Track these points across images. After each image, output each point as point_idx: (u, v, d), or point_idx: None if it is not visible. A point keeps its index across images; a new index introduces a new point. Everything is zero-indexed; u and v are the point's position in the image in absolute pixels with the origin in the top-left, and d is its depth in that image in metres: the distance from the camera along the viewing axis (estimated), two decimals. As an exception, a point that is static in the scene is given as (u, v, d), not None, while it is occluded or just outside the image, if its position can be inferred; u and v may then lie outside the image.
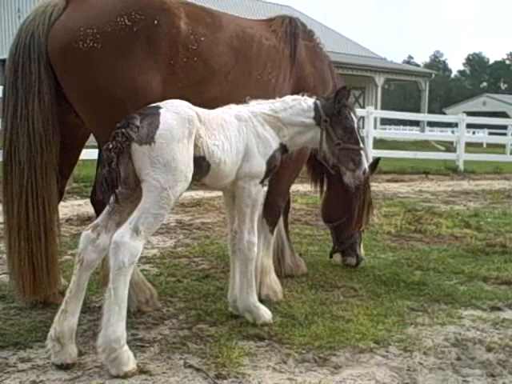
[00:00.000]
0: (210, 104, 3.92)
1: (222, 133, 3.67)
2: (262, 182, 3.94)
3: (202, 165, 3.51)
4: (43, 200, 3.98)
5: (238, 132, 3.78)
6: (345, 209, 5.61)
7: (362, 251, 5.84)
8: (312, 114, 3.99)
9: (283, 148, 4.03)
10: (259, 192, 3.95)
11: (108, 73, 3.85)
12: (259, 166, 3.87)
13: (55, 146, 4.04)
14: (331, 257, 5.88)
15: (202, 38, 4.20)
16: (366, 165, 4.01)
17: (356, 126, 4.02)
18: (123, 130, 3.20)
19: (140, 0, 4.01)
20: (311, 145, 4.17)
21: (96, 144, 4.54)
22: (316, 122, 3.99)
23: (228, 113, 3.84)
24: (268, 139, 3.91)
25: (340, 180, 5.47)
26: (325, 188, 5.78)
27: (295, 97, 4.10)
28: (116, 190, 3.22)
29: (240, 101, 4.00)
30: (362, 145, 4.01)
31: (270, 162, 3.93)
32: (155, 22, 3.95)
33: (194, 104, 3.69)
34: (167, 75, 4.05)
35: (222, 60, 4.33)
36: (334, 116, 3.96)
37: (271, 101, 4.05)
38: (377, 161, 5.91)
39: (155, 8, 4.01)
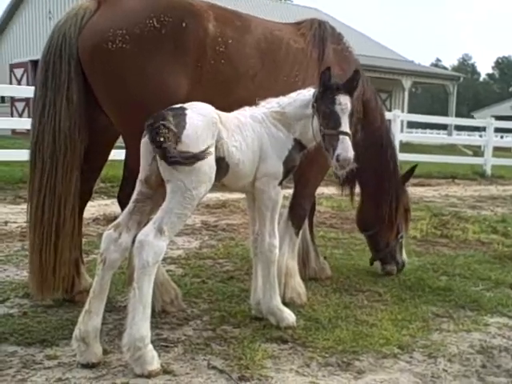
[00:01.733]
0: (236, 106, 3.95)
1: (240, 134, 3.70)
2: (280, 184, 3.93)
3: (221, 165, 3.53)
4: (60, 199, 4.01)
5: (254, 132, 3.79)
6: (379, 217, 5.57)
7: (404, 256, 5.78)
8: (311, 103, 3.89)
9: (299, 145, 3.96)
10: (278, 194, 3.94)
11: (136, 73, 3.90)
12: (275, 166, 3.86)
13: (80, 146, 4.08)
14: (371, 264, 5.83)
15: (230, 41, 4.22)
16: (339, 150, 3.58)
17: (339, 107, 3.69)
18: (163, 123, 3.20)
19: (169, 3, 4.06)
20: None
21: (123, 145, 4.60)
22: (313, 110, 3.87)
23: (243, 114, 3.86)
24: (282, 139, 3.89)
25: (373, 186, 5.51)
26: (354, 191, 5.76)
27: (301, 91, 4.03)
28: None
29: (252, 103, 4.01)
30: (342, 128, 3.66)
31: (287, 163, 3.90)
32: (183, 24, 3.99)
33: (221, 106, 3.72)
34: (194, 77, 4.08)
35: (249, 62, 4.35)
36: (319, 100, 3.80)
37: (279, 98, 4.02)
38: (413, 168, 5.82)
39: (183, 11, 4.05)
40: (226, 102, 3.98)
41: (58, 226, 4.02)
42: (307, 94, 3.93)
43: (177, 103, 3.55)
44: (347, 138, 3.64)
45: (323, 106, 3.73)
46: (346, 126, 3.68)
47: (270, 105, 3.97)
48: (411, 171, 5.80)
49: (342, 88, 3.75)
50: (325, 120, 3.72)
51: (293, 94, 4.02)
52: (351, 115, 3.74)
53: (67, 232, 4.07)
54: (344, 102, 3.71)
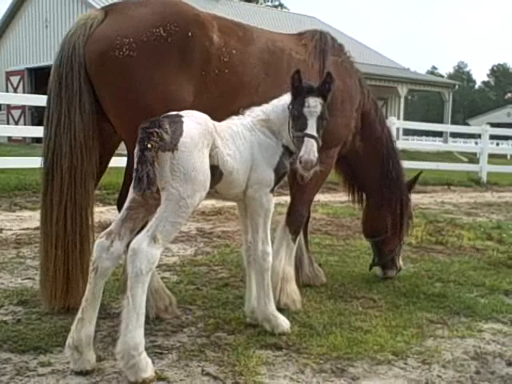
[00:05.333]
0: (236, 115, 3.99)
1: (233, 143, 3.73)
2: (272, 191, 3.94)
3: (215, 173, 3.53)
4: (81, 208, 4.08)
5: (246, 141, 3.82)
6: (386, 224, 5.64)
7: (401, 261, 5.87)
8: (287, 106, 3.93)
9: (287, 150, 3.96)
10: (270, 201, 3.94)
11: (142, 81, 3.93)
12: (267, 174, 3.87)
13: (95, 154, 4.13)
14: (370, 269, 5.88)
15: (234, 51, 4.28)
16: (302, 152, 3.63)
17: (307, 110, 3.73)
18: (157, 130, 3.21)
19: (175, 12, 4.11)
20: None
21: (118, 152, 4.62)
22: None
23: (234, 123, 3.88)
24: (272, 146, 3.91)
25: (377, 194, 5.56)
26: (361, 197, 5.82)
27: (282, 96, 4.04)
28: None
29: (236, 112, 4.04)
30: (308, 130, 3.70)
31: (279, 170, 3.92)
32: (189, 33, 4.05)
33: (224, 115, 3.81)
34: (199, 86, 4.13)
35: (252, 72, 4.40)
36: (292, 103, 3.85)
37: (262, 105, 4.05)
38: (417, 176, 5.93)
39: (189, 20, 4.11)
40: (230, 111, 4.04)
41: (82, 235, 4.09)
42: (288, 99, 3.95)
43: (181, 111, 3.56)
44: (312, 140, 3.68)
45: (293, 108, 3.80)
46: (312, 129, 3.72)
47: (255, 113, 3.99)
48: (415, 179, 5.89)
49: (313, 90, 3.79)
50: (293, 122, 3.78)
51: (275, 101, 4.05)
52: (320, 118, 3.77)
53: (89, 240, 4.14)
54: (313, 104, 3.75)
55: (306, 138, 3.68)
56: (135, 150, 3.28)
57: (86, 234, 4.13)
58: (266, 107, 4.02)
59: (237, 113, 4.02)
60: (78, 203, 4.05)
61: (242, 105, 4.22)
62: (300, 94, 3.79)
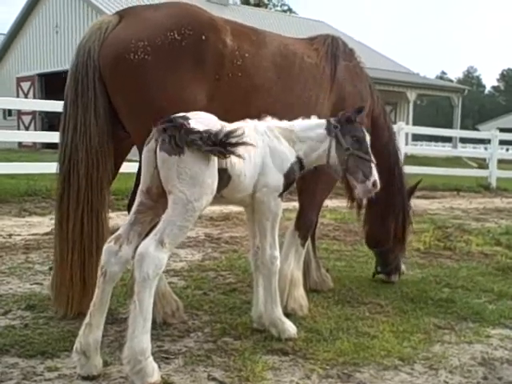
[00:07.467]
0: (252, 118, 4.02)
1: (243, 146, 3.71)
2: (281, 196, 3.95)
3: (222, 177, 3.52)
4: (97, 213, 4.12)
5: (256, 144, 3.82)
6: (390, 234, 5.67)
7: (403, 266, 5.91)
8: (325, 125, 4.02)
9: (300, 162, 4.02)
10: (279, 205, 3.95)
11: (156, 84, 3.96)
12: (276, 179, 3.88)
13: (110, 159, 4.16)
14: (374, 277, 5.90)
15: (247, 55, 4.32)
16: (376, 177, 3.91)
17: (368, 138, 3.99)
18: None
19: (189, 16, 4.16)
20: (322, 161, 4.09)
21: (127, 158, 4.64)
22: (327, 131, 3.99)
23: (246, 126, 3.88)
24: (285, 152, 3.93)
25: (381, 203, 5.57)
26: (362, 205, 5.80)
27: (313, 118, 4.14)
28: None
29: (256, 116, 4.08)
30: (372, 158, 3.94)
31: (288, 176, 3.93)
32: (203, 37, 4.08)
33: (237, 118, 3.82)
34: (212, 89, 4.16)
35: (265, 76, 4.44)
36: (345, 124, 3.95)
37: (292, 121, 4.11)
38: (417, 184, 5.97)
39: (203, 24, 4.14)
40: (243, 114, 4.04)
41: (98, 240, 4.12)
42: (318, 120, 4.08)
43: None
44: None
45: (354, 130, 3.95)
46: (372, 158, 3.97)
47: (277, 122, 4.04)
48: (415, 186, 5.92)
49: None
50: (355, 143, 3.92)
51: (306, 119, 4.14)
52: None
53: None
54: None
55: (372, 164, 3.92)
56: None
57: (102, 239, 4.12)
58: (293, 121, 4.12)
59: (251, 116, 4.03)
60: (94, 208, 4.09)
61: (255, 108, 4.26)
62: (355, 121, 3.98)
